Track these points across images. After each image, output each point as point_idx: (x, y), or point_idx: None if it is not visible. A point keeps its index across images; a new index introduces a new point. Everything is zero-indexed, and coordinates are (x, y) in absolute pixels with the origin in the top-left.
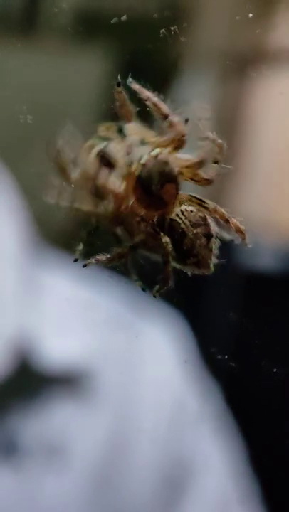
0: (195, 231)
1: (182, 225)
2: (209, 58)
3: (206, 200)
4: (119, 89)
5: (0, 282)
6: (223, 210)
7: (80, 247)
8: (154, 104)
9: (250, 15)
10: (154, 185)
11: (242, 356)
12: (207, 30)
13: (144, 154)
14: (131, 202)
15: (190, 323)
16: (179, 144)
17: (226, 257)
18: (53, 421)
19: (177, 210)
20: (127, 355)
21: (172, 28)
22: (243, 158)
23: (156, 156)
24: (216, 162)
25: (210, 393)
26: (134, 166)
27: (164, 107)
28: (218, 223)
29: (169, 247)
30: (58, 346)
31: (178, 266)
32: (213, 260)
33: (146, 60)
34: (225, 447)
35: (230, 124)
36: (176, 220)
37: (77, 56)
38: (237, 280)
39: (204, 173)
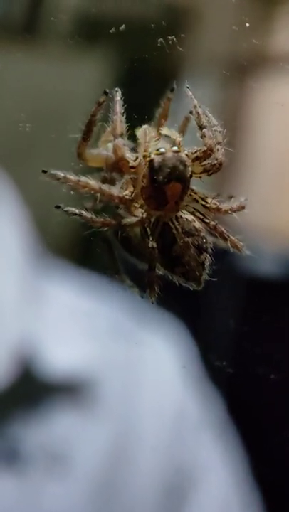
0: (186, 239)
1: (174, 230)
2: (207, 68)
3: (208, 217)
4: (171, 94)
5: (2, 291)
6: (223, 229)
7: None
8: (198, 113)
9: (247, 24)
10: (162, 177)
11: (241, 363)
12: (205, 39)
13: (166, 147)
14: (136, 190)
15: (190, 331)
16: (203, 155)
17: (225, 263)
18: (55, 429)
19: (173, 215)
20: (128, 363)
21: (170, 38)
22: (244, 165)
23: (176, 152)
24: (219, 144)
25: (210, 400)
26: (152, 153)
27: (204, 119)
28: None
29: (155, 252)
30: (60, 355)
31: (166, 273)
32: (204, 276)
33: (144, 68)
34: (226, 454)
35: (230, 131)
36: (168, 224)
37: (76, 65)
38: (236, 287)
39: (212, 159)
